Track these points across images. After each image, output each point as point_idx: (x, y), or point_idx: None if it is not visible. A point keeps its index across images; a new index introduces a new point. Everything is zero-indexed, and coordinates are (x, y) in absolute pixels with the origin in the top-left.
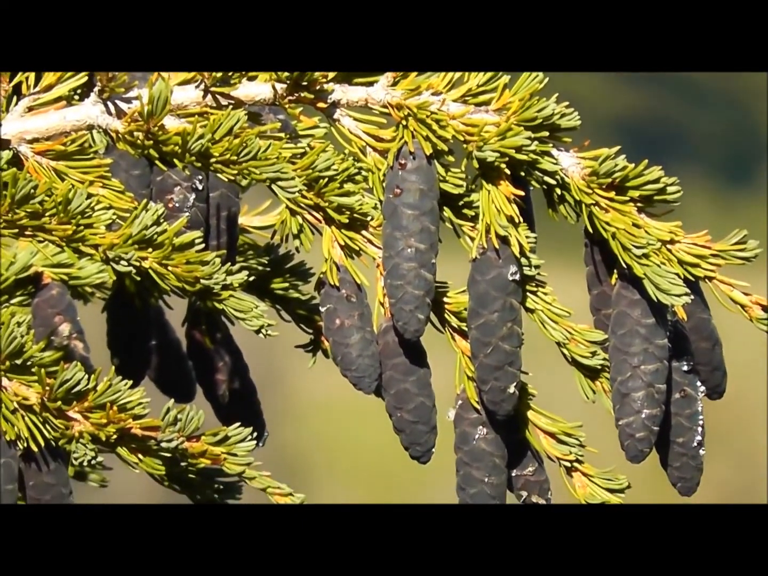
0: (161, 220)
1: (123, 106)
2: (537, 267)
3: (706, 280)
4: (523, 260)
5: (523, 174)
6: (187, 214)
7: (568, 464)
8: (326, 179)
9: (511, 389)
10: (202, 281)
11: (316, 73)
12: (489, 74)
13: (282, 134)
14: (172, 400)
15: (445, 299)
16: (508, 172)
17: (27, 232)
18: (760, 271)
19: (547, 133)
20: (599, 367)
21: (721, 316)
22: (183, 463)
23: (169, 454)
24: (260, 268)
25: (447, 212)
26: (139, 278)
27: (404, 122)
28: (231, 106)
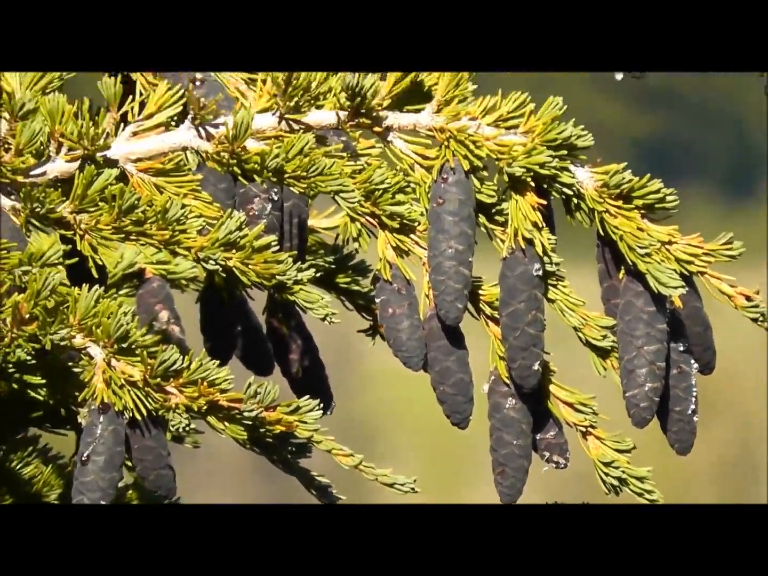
0: (243, 226)
1: (212, 130)
2: (557, 264)
3: (699, 274)
4: (546, 259)
5: (545, 186)
6: (264, 221)
7: (583, 429)
8: (381, 191)
9: (536, 366)
10: (277, 277)
11: (373, 102)
12: (518, 102)
13: (344, 154)
14: (254, 376)
15: (480, 291)
16: (532, 184)
17: (131, 237)
18: (748, 268)
19: (565, 152)
20: (609, 348)
21: (715, 306)
22: (262, 429)
23: (250, 422)
24: (326, 265)
25: (482, 218)
26: (225, 275)
27: (446, 143)
28: (302, 131)
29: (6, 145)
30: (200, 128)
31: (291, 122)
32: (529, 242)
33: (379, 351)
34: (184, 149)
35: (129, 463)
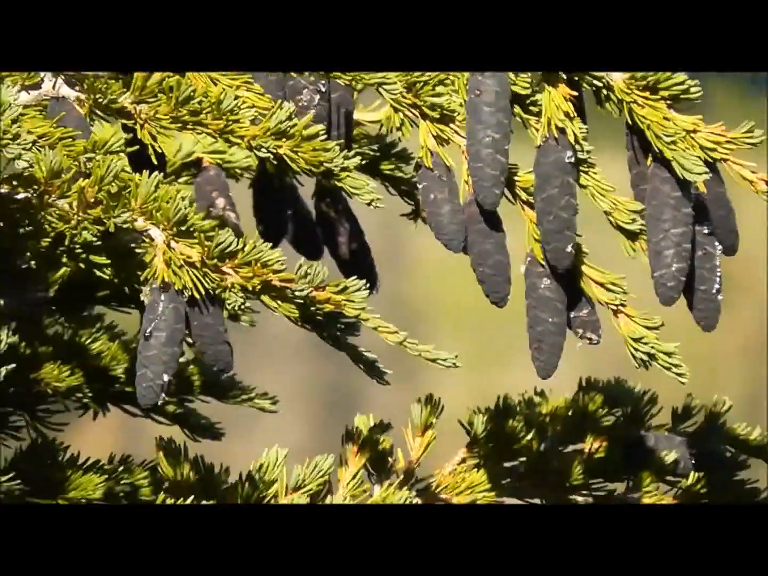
0: (293, 117)
1: None
2: (588, 152)
3: (722, 161)
4: (578, 146)
5: (576, 78)
6: (313, 111)
7: (614, 308)
8: (422, 83)
9: (569, 248)
10: (324, 164)
11: None
12: None
13: None
14: (304, 258)
15: (516, 178)
16: (564, 77)
17: (188, 126)
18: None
19: None
20: (638, 231)
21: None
22: (312, 308)
23: (301, 301)
24: (371, 153)
25: (517, 109)
26: (276, 162)
27: None
28: None
29: None
30: None
31: None
32: (562, 131)
33: (422, 236)
34: None
35: (189, 340)
